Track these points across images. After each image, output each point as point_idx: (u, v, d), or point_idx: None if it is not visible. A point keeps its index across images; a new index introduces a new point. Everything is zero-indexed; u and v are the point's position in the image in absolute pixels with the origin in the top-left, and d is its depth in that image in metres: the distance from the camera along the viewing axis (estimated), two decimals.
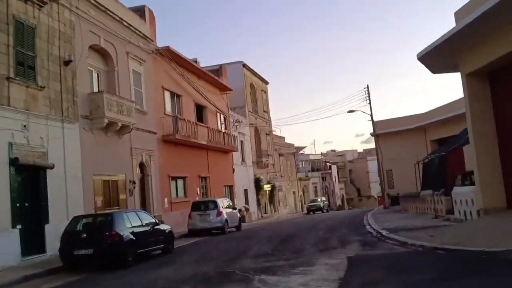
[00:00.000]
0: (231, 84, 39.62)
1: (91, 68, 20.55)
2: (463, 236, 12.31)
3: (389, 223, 20.20)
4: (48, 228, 15.99)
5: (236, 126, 40.14)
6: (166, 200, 26.04)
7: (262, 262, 12.02)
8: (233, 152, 38.11)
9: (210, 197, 30.68)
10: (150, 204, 24.16)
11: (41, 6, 16.57)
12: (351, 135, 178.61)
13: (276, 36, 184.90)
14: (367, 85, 40.10)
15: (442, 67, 17.63)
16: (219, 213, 24.24)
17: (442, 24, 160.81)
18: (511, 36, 13.33)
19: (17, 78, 15.18)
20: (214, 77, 34.93)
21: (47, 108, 16.67)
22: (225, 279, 10.02)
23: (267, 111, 53.23)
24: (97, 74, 21.27)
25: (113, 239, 13.39)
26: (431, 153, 28.76)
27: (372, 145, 71.75)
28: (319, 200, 58.44)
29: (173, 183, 27.51)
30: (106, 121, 19.71)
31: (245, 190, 41.71)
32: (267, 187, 47.38)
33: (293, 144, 65.00)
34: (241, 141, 41.94)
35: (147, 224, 15.57)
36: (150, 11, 26.37)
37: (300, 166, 72.02)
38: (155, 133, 25.45)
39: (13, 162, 14.62)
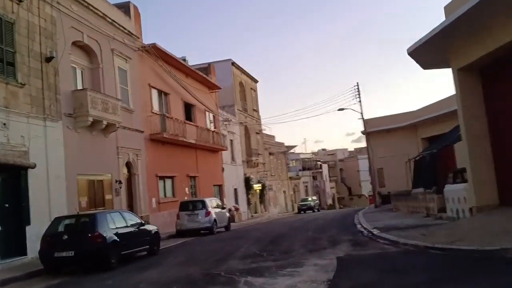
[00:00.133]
0: (220, 82, 39.22)
1: (74, 65, 20.03)
2: (456, 235, 11.98)
3: (380, 222, 19.90)
4: (29, 230, 15.50)
5: (226, 124, 39.74)
6: (154, 200, 25.59)
7: (249, 263, 11.63)
8: (222, 151, 37.72)
9: (199, 197, 30.22)
10: (137, 204, 23.71)
11: (20, 1, 16.10)
12: (342, 134, 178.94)
13: (266, 34, 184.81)
14: (357, 83, 39.97)
15: (433, 62, 17.31)
16: (208, 213, 23.85)
17: (435, 21, 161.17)
18: (502, 30, 13.02)
19: None
20: (202, 75, 34.48)
21: (28, 106, 16.18)
22: (210, 281, 9.62)
23: (256, 110, 52.86)
24: (81, 71, 20.75)
25: (96, 241, 12.93)
26: (423, 151, 28.51)
27: (363, 144, 71.59)
28: (310, 199, 58.18)
29: (161, 183, 27.07)
30: (90, 119, 19.24)
31: (235, 190, 41.33)
32: (257, 187, 47.02)
33: (284, 143, 64.71)
34: (231, 140, 41.53)
35: (132, 225, 15.13)
36: (135, 8, 25.86)
37: (291, 165, 71.71)
38: (142, 131, 24.98)
39: None
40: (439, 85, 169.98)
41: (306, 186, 73.64)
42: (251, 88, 51.60)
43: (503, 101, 14.95)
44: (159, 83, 27.88)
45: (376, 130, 39.52)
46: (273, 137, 59.80)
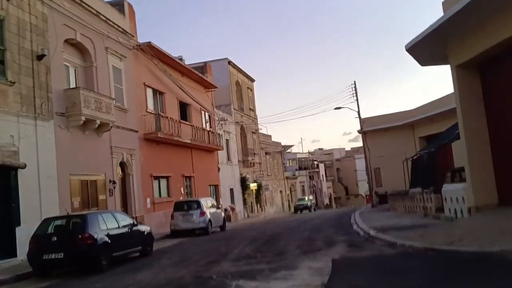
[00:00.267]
0: (216, 81, 38.94)
1: (67, 63, 19.73)
2: (455, 236, 11.68)
3: (377, 222, 19.59)
4: (19, 231, 15.22)
5: (222, 124, 39.43)
6: (148, 200, 25.29)
7: (242, 265, 11.34)
8: (218, 151, 37.41)
9: (194, 197, 29.93)
10: (131, 204, 23.41)
11: None
12: (339, 134, 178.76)
13: (262, 33, 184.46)
14: (354, 82, 39.63)
15: (431, 58, 17.03)
16: (202, 213, 23.57)
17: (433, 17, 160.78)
18: (502, 25, 12.74)
19: None
20: (198, 74, 34.17)
21: (18, 105, 15.86)
22: (201, 285, 9.33)
23: (253, 109, 52.55)
24: (74, 69, 20.45)
25: (86, 242, 12.63)
26: (420, 150, 28.27)
27: (359, 143, 71.52)
28: (306, 199, 57.98)
29: (155, 183, 26.76)
30: (83, 118, 18.93)
31: (231, 190, 41.03)
32: (253, 186, 46.72)
33: (280, 143, 64.41)
34: (227, 140, 41.25)
35: (124, 226, 14.85)
36: (130, 6, 25.53)
37: (287, 164, 71.43)
38: (137, 131, 24.67)
39: None
40: (438, 84, 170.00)
41: (303, 186, 73.40)
42: (247, 87, 51.28)
43: (502, 98, 14.68)
44: (154, 82, 27.57)
45: (373, 129, 39.23)
46: (269, 136, 59.51)
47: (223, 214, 27.57)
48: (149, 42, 26.18)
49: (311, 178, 76.81)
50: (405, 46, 15.71)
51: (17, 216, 15.33)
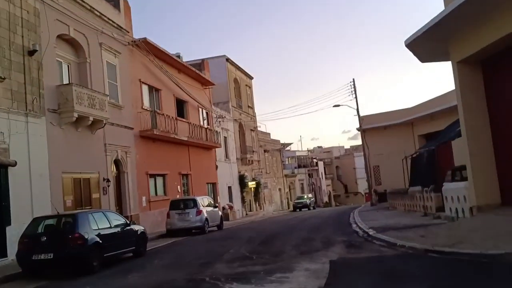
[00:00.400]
0: (214, 79, 38.53)
1: (60, 59, 19.31)
2: (457, 236, 11.31)
3: (376, 221, 19.23)
4: (9, 230, 14.84)
5: (219, 121, 39.03)
6: (144, 198, 24.90)
7: (237, 267, 10.95)
8: (216, 149, 37.02)
9: (192, 195, 29.53)
10: (126, 203, 23.03)
11: None
12: (338, 132, 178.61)
13: (261, 30, 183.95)
14: (353, 79, 39.22)
15: (431, 54, 16.65)
16: (199, 212, 23.13)
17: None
18: (504, 20, 12.35)
19: None
20: (195, 71, 33.75)
21: (8, 101, 15.46)
22: None
23: (251, 107, 52.16)
24: (68, 65, 20.04)
25: (76, 242, 12.23)
26: (420, 148, 27.92)
27: (359, 141, 70.98)
28: (305, 197, 57.63)
29: (151, 181, 26.35)
30: (75, 115, 18.51)
31: (229, 188, 40.63)
32: (252, 184, 46.36)
33: (279, 141, 64.07)
34: (225, 137, 40.86)
35: (116, 225, 14.41)
36: (125, 1, 25.08)
37: (286, 162, 71.03)
38: (132, 128, 24.27)
39: None
40: (438, 82, 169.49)
41: (302, 184, 73.05)
42: (246, 85, 50.90)
43: (504, 95, 14.30)
44: (150, 78, 27.15)
45: (372, 127, 38.91)
46: (268, 134, 59.16)
47: (220, 212, 27.18)
48: (145, 38, 25.73)
49: (310, 176, 76.45)
50: (405, 42, 15.33)
51: (7, 215, 14.95)
